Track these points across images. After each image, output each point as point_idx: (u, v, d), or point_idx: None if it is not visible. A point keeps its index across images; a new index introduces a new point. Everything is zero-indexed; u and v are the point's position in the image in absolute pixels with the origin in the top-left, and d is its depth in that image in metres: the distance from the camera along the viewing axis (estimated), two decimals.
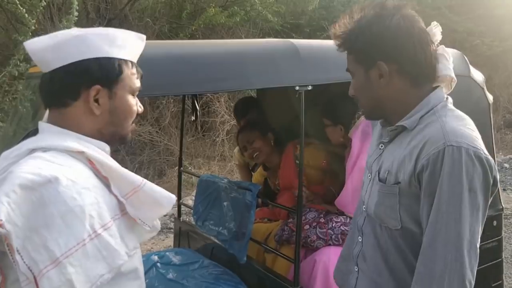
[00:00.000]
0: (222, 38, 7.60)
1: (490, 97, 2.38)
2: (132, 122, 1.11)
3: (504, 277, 2.50)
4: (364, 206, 1.33)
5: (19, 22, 5.46)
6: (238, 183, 2.41)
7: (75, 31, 1.02)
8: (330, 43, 2.29)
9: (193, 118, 3.00)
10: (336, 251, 2.16)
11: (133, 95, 1.09)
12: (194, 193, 3.62)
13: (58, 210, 0.86)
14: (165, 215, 5.37)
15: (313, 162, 2.43)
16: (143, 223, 1.05)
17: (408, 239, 1.18)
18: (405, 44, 1.17)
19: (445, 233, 1.05)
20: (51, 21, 6.23)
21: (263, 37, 7.92)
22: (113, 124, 1.06)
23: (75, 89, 1.01)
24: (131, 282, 1.01)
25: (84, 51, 0.99)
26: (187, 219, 4.54)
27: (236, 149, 3.12)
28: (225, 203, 2.34)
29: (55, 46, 1.00)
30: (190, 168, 6.62)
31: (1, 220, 0.79)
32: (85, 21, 6.93)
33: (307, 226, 2.26)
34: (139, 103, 1.12)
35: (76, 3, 4.28)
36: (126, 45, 1.06)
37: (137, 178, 1.03)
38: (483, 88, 2.36)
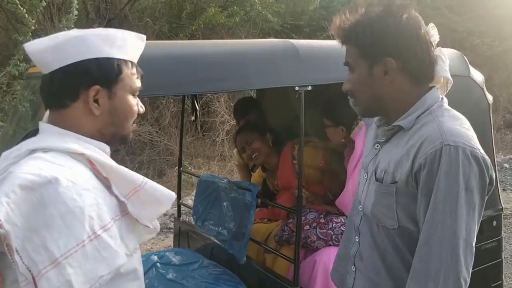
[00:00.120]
0: (222, 38, 7.59)
1: (490, 97, 2.38)
2: (133, 122, 1.11)
3: (504, 277, 2.50)
4: (360, 206, 1.33)
5: (19, 22, 5.46)
6: (238, 183, 2.41)
7: (75, 32, 1.02)
8: (330, 43, 2.29)
9: (193, 118, 3.00)
10: (336, 251, 2.16)
11: (133, 95, 1.09)
12: (194, 193, 3.62)
13: (58, 211, 0.86)
14: (165, 215, 5.37)
15: (311, 162, 2.43)
16: (144, 224, 1.05)
17: (405, 238, 1.18)
18: (413, 43, 1.17)
19: (441, 231, 1.06)
20: (51, 21, 6.23)
21: (263, 37, 7.93)
22: (113, 124, 1.05)
23: (74, 89, 1.00)
24: (131, 282, 1.01)
25: (84, 51, 0.99)
26: (187, 219, 4.54)
27: (236, 150, 3.12)
28: (224, 203, 2.34)
29: (55, 47, 0.99)
30: (190, 168, 6.62)
31: (0, 220, 0.79)
32: (85, 21, 6.93)
33: (307, 227, 2.26)
34: (140, 103, 1.12)
35: (75, 2, 4.28)
36: (126, 45, 1.05)
37: (138, 177, 1.03)
38: (482, 88, 2.36)
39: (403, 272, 1.19)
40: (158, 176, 6.86)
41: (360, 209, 1.33)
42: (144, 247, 4.36)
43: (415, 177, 1.12)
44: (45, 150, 0.95)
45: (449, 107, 1.22)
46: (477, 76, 2.37)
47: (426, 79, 1.23)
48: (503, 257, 2.44)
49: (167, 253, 2.53)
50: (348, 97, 1.31)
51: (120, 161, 1.06)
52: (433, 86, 1.24)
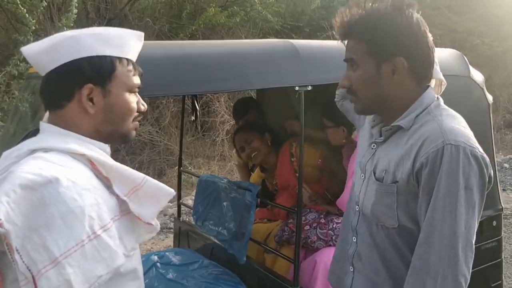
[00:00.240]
0: (222, 38, 7.60)
1: (490, 97, 2.38)
2: (134, 120, 1.09)
3: (503, 277, 2.50)
4: (357, 206, 1.33)
5: (19, 22, 5.46)
6: (238, 183, 2.41)
7: (69, 32, 1.02)
8: (330, 43, 2.29)
9: (193, 118, 3.00)
10: None
11: (130, 92, 1.07)
12: (194, 193, 3.62)
13: (58, 211, 0.86)
14: (165, 215, 5.37)
15: (309, 161, 2.41)
16: (146, 221, 1.05)
17: (404, 237, 1.19)
18: (421, 43, 1.17)
19: (441, 229, 1.07)
20: (51, 21, 6.23)
21: (263, 37, 7.93)
22: (110, 123, 1.05)
23: (69, 89, 1.00)
24: (130, 282, 1.02)
25: (76, 51, 0.99)
26: (187, 219, 4.54)
27: (235, 149, 3.12)
28: (224, 203, 2.34)
29: (49, 49, 1.00)
30: (190, 168, 6.62)
31: (1, 219, 0.79)
32: (85, 21, 6.93)
33: (307, 227, 2.26)
34: (141, 101, 1.11)
35: (75, 1, 4.28)
36: (121, 43, 1.05)
37: (138, 176, 1.04)
38: (482, 89, 2.36)
39: (402, 270, 1.20)
40: (158, 176, 6.86)
41: (357, 209, 1.33)
42: (144, 247, 4.37)
43: (416, 176, 1.12)
44: (46, 150, 0.95)
45: (446, 106, 1.22)
46: (477, 76, 2.37)
47: (427, 79, 1.23)
48: (503, 257, 2.45)
49: (167, 253, 2.53)
50: (346, 93, 1.29)
51: (120, 161, 1.05)
52: (429, 86, 1.25)
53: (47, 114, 1.07)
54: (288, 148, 2.56)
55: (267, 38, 7.65)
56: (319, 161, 2.48)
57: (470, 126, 1.18)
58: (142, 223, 1.06)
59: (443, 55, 2.29)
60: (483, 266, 2.23)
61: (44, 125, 1.03)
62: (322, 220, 2.27)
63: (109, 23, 7.03)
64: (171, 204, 5.62)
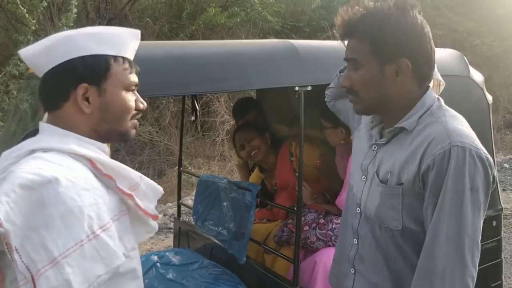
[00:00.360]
0: (222, 38, 7.60)
1: (490, 98, 2.38)
2: (132, 118, 1.08)
3: (503, 277, 2.50)
4: (358, 208, 1.31)
5: (19, 22, 5.46)
6: (238, 183, 2.41)
7: (64, 33, 1.02)
8: (330, 43, 2.29)
9: (193, 118, 3.00)
10: None
11: (127, 90, 1.06)
12: (194, 193, 3.62)
13: (57, 211, 0.86)
14: (164, 215, 5.37)
15: (308, 160, 2.41)
16: (151, 213, 1.06)
17: (408, 239, 1.18)
18: (425, 45, 1.16)
19: (447, 230, 1.07)
20: (51, 21, 6.23)
21: (263, 37, 7.93)
22: (107, 121, 1.04)
23: (64, 89, 1.00)
24: (130, 282, 1.02)
25: (70, 51, 0.99)
26: (187, 219, 4.55)
27: (235, 154, 3.12)
28: (224, 203, 2.34)
29: (45, 50, 1.00)
30: (190, 168, 6.62)
31: (0, 219, 0.79)
32: (85, 21, 6.93)
33: (306, 227, 2.26)
34: (140, 99, 1.10)
35: (74, 1, 4.28)
36: (116, 41, 1.04)
37: (136, 175, 1.04)
38: (482, 89, 2.36)
39: (406, 272, 1.19)
40: (158, 176, 6.86)
41: (358, 211, 1.31)
42: (144, 247, 4.37)
43: (422, 178, 1.12)
44: (45, 150, 0.95)
45: (447, 107, 1.22)
46: (477, 76, 2.37)
47: (428, 81, 1.23)
48: (502, 257, 2.45)
49: (167, 253, 2.53)
50: (346, 93, 1.27)
51: (120, 161, 1.06)
52: (429, 86, 1.24)
53: (46, 114, 1.07)
54: (288, 148, 2.57)
55: (267, 38, 7.65)
56: (318, 162, 2.48)
57: (470, 126, 1.18)
58: (139, 224, 1.06)
59: (443, 55, 2.29)
60: (483, 266, 2.21)
61: (43, 125, 1.03)
62: (321, 221, 2.27)
63: (109, 23, 7.03)
64: (171, 204, 5.63)
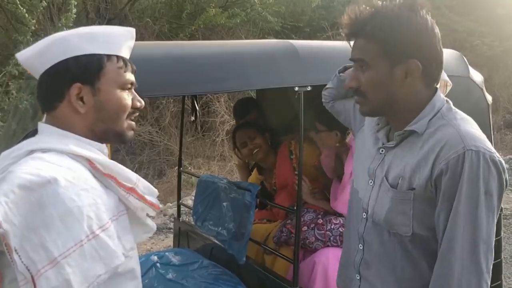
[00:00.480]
0: (222, 38, 7.61)
1: (489, 98, 2.38)
2: (128, 117, 1.08)
3: (503, 277, 2.50)
4: (364, 213, 1.28)
5: (19, 22, 5.47)
6: (238, 183, 2.41)
7: (58, 34, 1.02)
8: (329, 43, 2.29)
9: (192, 118, 3.00)
10: (334, 252, 2.17)
11: (122, 89, 1.06)
12: (193, 193, 3.62)
13: (57, 211, 0.86)
14: (164, 215, 5.37)
15: (307, 160, 2.41)
16: (151, 201, 1.07)
17: (418, 244, 1.16)
18: (435, 46, 1.13)
19: (462, 236, 1.05)
20: (51, 21, 6.24)
21: (263, 37, 7.94)
22: (102, 121, 1.04)
23: (59, 90, 1.00)
24: (128, 282, 1.02)
25: (63, 51, 0.99)
26: (187, 219, 4.55)
27: (234, 153, 3.13)
28: (224, 204, 2.34)
29: (40, 52, 1.00)
30: (190, 168, 6.63)
31: None
32: (85, 21, 6.94)
33: (305, 228, 2.26)
34: (137, 97, 1.10)
35: (73, 1, 4.29)
36: (110, 40, 1.04)
37: (133, 175, 1.05)
38: (482, 89, 2.36)
39: (414, 279, 1.17)
40: (158, 176, 6.87)
41: (364, 217, 1.28)
42: (144, 247, 4.37)
43: (435, 182, 1.09)
44: (44, 150, 0.95)
45: (457, 109, 1.19)
46: (477, 76, 2.37)
47: (436, 82, 1.20)
48: (502, 257, 2.45)
49: (167, 253, 2.53)
50: (352, 94, 1.24)
51: (120, 161, 1.06)
52: (437, 88, 1.22)
53: (45, 115, 1.07)
54: (287, 146, 2.57)
55: (267, 38, 7.65)
56: (317, 162, 2.48)
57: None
58: (137, 224, 1.06)
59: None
60: None
61: (42, 125, 1.03)
62: (320, 221, 2.27)
63: (109, 23, 7.03)
64: (171, 204, 5.63)
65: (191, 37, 7.49)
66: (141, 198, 1.05)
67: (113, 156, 1.07)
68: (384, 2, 1.14)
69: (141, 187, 1.05)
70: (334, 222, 2.25)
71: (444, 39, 1.23)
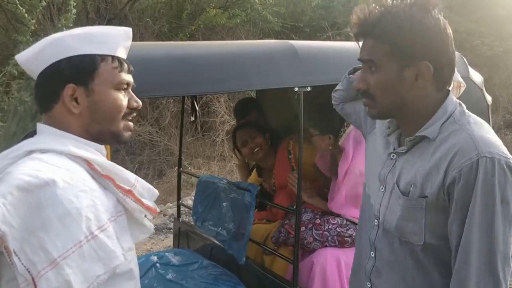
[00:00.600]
0: (222, 38, 7.61)
1: (489, 98, 2.38)
2: (124, 118, 1.07)
3: None
4: (376, 220, 1.24)
5: (19, 22, 5.47)
6: (237, 183, 2.41)
7: (54, 35, 1.02)
8: (329, 44, 2.29)
9: (192, 118, 3.00)
10: (332, 252, 2.18)
11: (117, 89, 1.05)
12: (193, 194, 3.62)
13: (55, 213, 0.86)
14: (164, 215, 5.37)
15: (305, 160, 2.42)
16: (148, 205, 1.07)
17: (430, 254, 1.12)
18: (447, 47, 1.09)
19: (479, 247, 1.01)
20: (50, 21, 6.24)
21: (263, 37, 7.94)
22: (97, 122, 1.03)
23: (54, 91, 1.00)
24: (127, 282, 1.02)
25: (58, 52, 0.99)
26: (187, 220, 4.55)
27: (233, 152, 3.13)
28: (224, 204, 2.34)
29: (36, 53, 1.00)
30: (190, 168, 6.63)
31: None
32: (85, 21, 6.94)
33: (303, 228, 2.26)
34: (134, 98, 1.09)
35: (73, 1, 4.29)
36: (105, 40, 1.03)
37: (132, 176, 1.05)
38: (481, 89, 2.36)
39: None
40: (158, 176, 6.87)
41: (376, 224, 1.24)
42: (144, 248, 4.37)
43: (447, 190, 1.05)
44: (43, 151, 0.95)
45: (470, 113, 1.15)
46: (476, 76, 2.37)
47: (448, 84, 1.15)
48: None
49: (166, 254, 2.53)
50: (361, 96, 1.20)
51: (120, 161, 1.06)
52: (449, 90, 1.17)
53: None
54: (286, 146, 2.58)
55: (267, 38, 7.65)
56: (315, 162, 2.49)
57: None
58: (134, 224, 1.07)
59: None
60: None
61: (41, 126, 1.03)
62: (318, 221, 2.28)
63: (109, 23, 7.04)
64: (170, 205, 5.63)
65: (191, 37, 7.49)
66: (138, 201, 1.04)
67: (113, 156, 1.07)
68: (394, 2, 1.10)
69: (139, 189, 1.05)
70: (332, 222, 2.25)
71: None
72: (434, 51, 1.08)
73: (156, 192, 1.11)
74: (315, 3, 8.24)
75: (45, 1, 4.61)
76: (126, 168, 1.08)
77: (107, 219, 0.96)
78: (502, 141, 1.09)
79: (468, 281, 1.02)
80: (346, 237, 2.20)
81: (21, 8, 4.34)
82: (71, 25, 4.47)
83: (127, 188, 1.02)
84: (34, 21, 4.48)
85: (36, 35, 4.69)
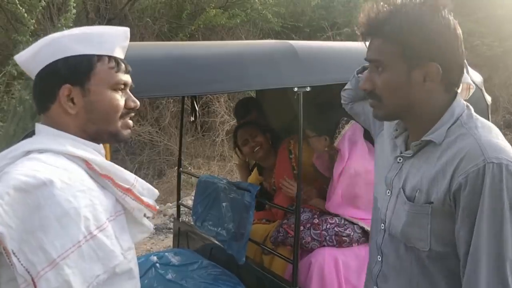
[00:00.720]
0: (222, 38, 7.61)
1: (489, 98, 2.38)
2: (122, 117, 1.06)
3: None
4: (382, 224, 1.22)
5: (19, 22, 5.47)
6: (237, 184, 2.42)
7: (51, 35, 1.02)
8: (329, 44, 2.29)
9: (192, 118, 3.01)
10: (330, 252, 2.18)
11: (114, 89, 1.04)
12: (193, 194, 3.62)
13: (53, 213, 0.86)
14: (164, 215, 5.37)
15: (305, 159, 2.42)
16: (148, 202, 1.07)
17: (436, 261, 1.10)
18: (457, 48, 1.07)
19: (487, 255, 0.98)
20: (50, 21, 6.24)
21: (263, 37, 7.94)
22: (94, 122, 1.03)
23: (50, 91, 1.00)
24: (126, 281, 1.02)
25: (54, 53, 0.99)
26: (186, 220, 4.55)
27: (234, 151, 3.13)
28: (224, 204, 2.35)
29: (34, 54, 1.00)
30: (189, 168, 6.63)
31: None
32: (85, 21, 6.94)
33: (301, 228, 2.26)
34: (132, 98, 1.09)
35: (73, 1, 4.29)
36: (101, 40, 1.03)
37: (131, 176, 1.05)
38: (481, 89, 2.36)
39: None
40: (158, 176, 6.87)
41: (382, 228, 1.22)
42: (144, 247, 4.37)
43: (453, 197, 1.02)
44: (41, 151, 0.95)
45: (478, 116, 1.12)
46: (476, 77, 2.37)
47: (457, 86, 1.13)
48: None
49: (166, 254, 2.53)
50: (367, 96, 1.17)
51: (120, 161, 1.06)
52: (457, 92, 1.14)
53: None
54: (287, 146, 2.58)
55: (267, 38, 7.65)
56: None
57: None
58: (134, 224, 1.07)
59: None
60: None
61: (39, 126, 1.03)
62: (316, 221, 2.28)
63: (109, 23, 7.03)
64: (170, 205, 5.63)
65: (191, 37, 7.49)
66: (138, 199, 1.04)
67: (113, 156, 1.07)
68: (404, 1, 1.07)
69: (138, 188, 1.05)
70: (330, 222, 2.26)
71: None
72: (443, 52, 1.05)
73: (156, 191, 1.10)
74: (315, 3, 8.24)
75: (44, 1, 4.61)
76: (126, 168, 1.08)
77: (105, 219, 0.96)
78: None
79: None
80: (344, 236, 2.20)
81: (21, 8, 4.35)
82: (71, 25, 4.47)
83: (127, 186, 1.02)
84: (33, 21, 4.49)
85: (36, 35, 4.69)
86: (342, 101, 1.64)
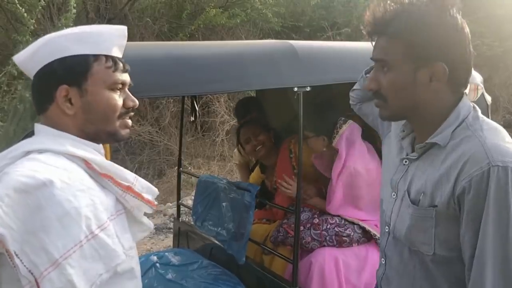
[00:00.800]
0: (222, 38, 7.60)
1: (489, 98, 2.38)
2: (120, 117, 1.06)
3: None
4: (387, 227, 1.21)
5: (19, 22, 5.47)
6: (237, 183, 2.42)
7: (48, 35, 1.02)
8: (329, 44, 2.29)
9: (192, 118, 3.01)
10: (331, 252, 2.18)
11: (112, 89, 1.04)
12: (193, 193, 3.62)
13: (54, 213, 0.86)
14: (164, 215, 5.37)
15: (306, 159, 2.43)
16: (148, 198, 1.07)
17: (440, 265, 1.09)
18: (465, 48, 1.05)
19: (493, 259, 0.97)
20: (50, 21, 6.24)
21: (263, 37, 7.93)
22: (92, 122, 1.03)
23: (48, 92, 1.00)
24: (128, 281, 1.02)
25: (51, 53, 0.99)
26: (186, 219, 4.55)
27: (236, 148, 3.14)
28: (224, 204, 2.34)
29: (32, 54, 1.00)
30: (190, 168, 6.63)
31: None
32: (85, 21, 6.94)
33: (301, 228, 2.26)
34: (131, 97, 1.08)
35: (73, 1, 4.29)
36: (98, 40, 1.03)
37: (131, 175, 1.05)
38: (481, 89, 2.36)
39: None
40: (158, 176, 6.87)
41: (386, 230, 1.21)
42: (144, 247, 4.37)
43: (458, 200, 1.01)
44: (41, 151, 0.95)
45: (484, 117, 1.10)
46: (476, 76, 2.37)
47: (464, 87, 1.11)
48: None
49: (166, 253, 2.53)
50: (373, 96, 1.16)
51: (120, 161, 1.06)
52: (464, 93, 1.12)
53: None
54: (288, 145, 2.58)
55: (267, 38, 7.65)
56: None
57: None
58: (134, 223, 1.07)
59: None
60: None
61: (38, 126, 1.03)
62: (316, 221, 2.28)
63: (109, 23, 7.02)
64: (170, 204, 5.63)
65: (191, 37, 7.48)
66: (138, 196, 1.04)
67: (113, 156, 1.07)
68: (417, 2, 1.05)
69: (138, 186, 1.05)
70: (330, 222, 2.26)
71: None
72: (451, 52, 1.03)
73: (155, 190, 1.10)
74: (315, 3, 8.23)
75: (44, 1, 4.61)
76: (126, 168, 1.08)
77: (106, 218, 0.96)
78: None
79: None
80: (344, 236, 2.20)
81: (21, 8, 4.34)
82: (71, 24, 4.47)
83: (127, 184, 1.02)
84: (33, 21, 4.49)
85: (36, 35, 4.69)
86: (350, 102, 1.62)
